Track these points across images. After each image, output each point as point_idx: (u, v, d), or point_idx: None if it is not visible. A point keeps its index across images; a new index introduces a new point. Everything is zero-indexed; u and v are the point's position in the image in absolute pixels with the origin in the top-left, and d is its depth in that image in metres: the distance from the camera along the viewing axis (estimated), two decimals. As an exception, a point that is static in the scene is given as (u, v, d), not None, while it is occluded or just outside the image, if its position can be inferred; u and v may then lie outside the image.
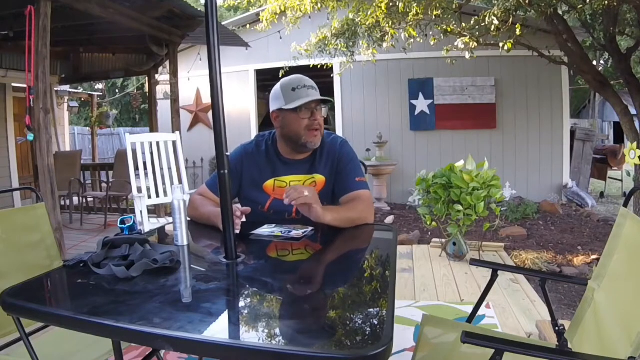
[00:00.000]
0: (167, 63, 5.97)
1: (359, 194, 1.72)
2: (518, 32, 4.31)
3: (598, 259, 2.36)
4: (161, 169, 3.60)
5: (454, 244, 3.77)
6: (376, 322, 0.92)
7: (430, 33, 5.15)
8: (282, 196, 1.74)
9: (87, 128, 12.14)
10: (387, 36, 5.15)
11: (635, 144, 4.00)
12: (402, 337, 2.34)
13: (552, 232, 5.06)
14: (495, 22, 4.08)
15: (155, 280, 1.11)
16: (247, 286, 1.19)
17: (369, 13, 4.87)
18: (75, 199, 6.32)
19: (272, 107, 1.74)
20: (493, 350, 1.00)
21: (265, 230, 1.57)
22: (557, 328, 1.45)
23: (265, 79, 8.89)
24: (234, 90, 7.65)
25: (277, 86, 1.72)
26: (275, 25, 5.80)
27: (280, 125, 1.74)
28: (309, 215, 1.55)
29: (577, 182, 7.03)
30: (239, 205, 1.61)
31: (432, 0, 4.37)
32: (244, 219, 1.52)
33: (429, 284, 3.30)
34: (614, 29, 5.01)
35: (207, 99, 7.82)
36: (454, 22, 4.84)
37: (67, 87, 8.47)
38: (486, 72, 6.78)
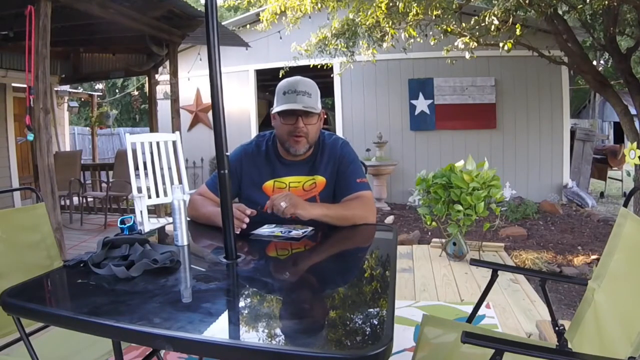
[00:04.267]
0: (167, 63, 5.98)
1: (359, 194, 1.71)
2: (518, 32, 4.31)
3: (598, 259, 2.36)
4: (161, 169, 3.60)
5: (454, 244, 3.77)
6: (376, 322, 0.92)
7: (430, 33, 5.15)
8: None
9: (87, 128, 12.13)
10: (387, 36, 5.15)
11: (635, 144, 4.00)
12: (402, 337, 2.33)
13: (552, 232, 5.06)
14: (495, 22, 4.08)
15: (155, 280, 1.11)
16: (247, 286, 1.19)
17: (369, 13, 4.87)
18: (75, 199, 6.32)
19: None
20: (493, 350, 1.00)
21: (265, 230, 1.57)
22: (557, 328, 1.45)
23: (265, 79, 8.90)
24: (234, 90, 7.65)
25: (277, 87, 1.73)
26: (275, 25, 5.80)
27: (274, 125, 1.76)
28: (296, 214, 1.54)
29: (577, 182, 7.03)
30: (243, 205, 1.60)
31: (432, 0, 4.37)
32: (247, 220, 1.52)
33: (429, 284, 3.30)
34: (614, 29, 5.01)
35: (207, 99, 7.82)
36: (454, 22, 4.83)
37: (67, 87, 8.47)
38: (486, 72, 6.78)
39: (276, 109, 1.68)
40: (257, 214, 1.60)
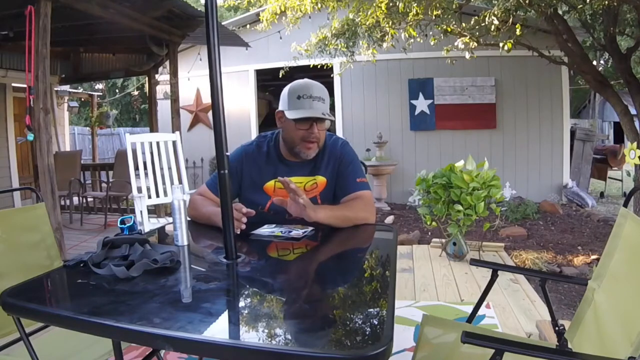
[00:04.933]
0: (167, 63, 5.98)
1: (359, 194, 1.72)
2: (518, 32, 4.31)
3: (598, 259, 2.36)
4: (161, 169, 3.60)
5: (454, 244, 3.77)
6: (376, 322, 0.92)
7: (430, 33, 5.15)
8: (282, 197, 1.74)
9: (87, 128, 12.13)
10: (387, 36, 5.15)
11: (635, 144, 4.00)
12: (402, 337, 2.33)
13: (552, 232, 5.06)
14: (495, 22, 4.08)
15: (155, 280, 1.11)
16: (247, 286, 1.19)
17: (369, 13, 4.87)
18: (75, 199, 6.32)
19: (279, 106, 1.74)
20: (493, 350, 1.00)
21: (265, 230, 1.57)
22: (557, 328, 1.45)
23: (265, 79, 8.91)
24: (234, 90, 7.65)
25: (287, 88, 1.70)
26: (275, 25, 5.80)
27: (281, 126, 1.75)
28: (302, 216, 1.55)
29: (577, 182, 7.03)
30: (240, 204, 1.60)
31: (432, 0, 4.37)
32: (245, 220, 1.52)
33: (429, 284, 3.30)
34: (614, 29, 5.01)
35: (207, 99, 7.83)
36: (454, 22, 4.83)
37: (67, 87, 8.48)
38: (486, 72, 6.78)
39: (293, 114, 1.63)
40: (255, 213, 1.60)
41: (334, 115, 7.56)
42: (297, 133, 1.67)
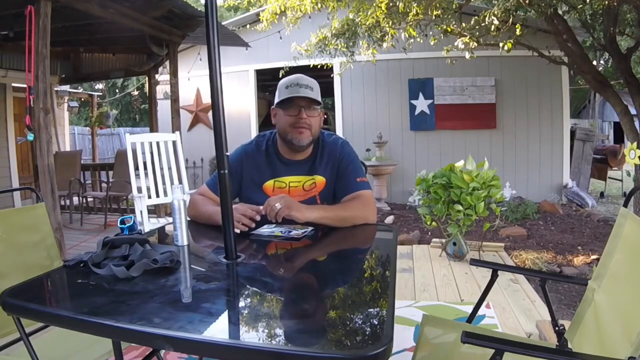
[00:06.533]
0: (167, 63, 5.98)
1: (359, 193, 1.71)
2: (518, 32, 4.31)
3: (598, 259, 2.36)
4: (161, 169, 3.60)
5: (454, 244, 3.77)
6: (376, 322, 0.92)
7: (430, 33, 5.15)
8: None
9: (87, 128, 12.13)
10: (387, 36, 5.15)
11: (635, 144, 4.00)
12: (402, 337, 2.34)
13: (552, 232, 5.06)
14: (495, 22, 4.08)
15: (155, 280, 1.11)
16: (247, 286, 1.19)
17: (369, 13, 4.87)
18: (75, 199, 6.32)
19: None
20: (493, 350, 1.00)
21: (265, 230, 1.57)
22: (557, 328, 1.45)
23: (265, 79, 8.90)
24: (234, 90, 7.65)
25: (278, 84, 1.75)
26: (275, 25, 5.80)
27: (275, 122, 1.77)
28: (291, 217, 1.54)
29: (577, 182, 7.03)
30: (255, 206, 1.60)
31: (432, 0, 4.37)
32: (258, 218, 1.54)
33: (429, 284, 3.30)
34: (614, 29, 5.01)
35: (207, 99, 7.83)
36: (454, 22, 4.83)
37: (67, 87, 8.48)
38: (486, 72, 6.78)
39: (279, 99, 1.69)
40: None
41: (333, 115, 7.56)
42: (287, 120, 1.69)
